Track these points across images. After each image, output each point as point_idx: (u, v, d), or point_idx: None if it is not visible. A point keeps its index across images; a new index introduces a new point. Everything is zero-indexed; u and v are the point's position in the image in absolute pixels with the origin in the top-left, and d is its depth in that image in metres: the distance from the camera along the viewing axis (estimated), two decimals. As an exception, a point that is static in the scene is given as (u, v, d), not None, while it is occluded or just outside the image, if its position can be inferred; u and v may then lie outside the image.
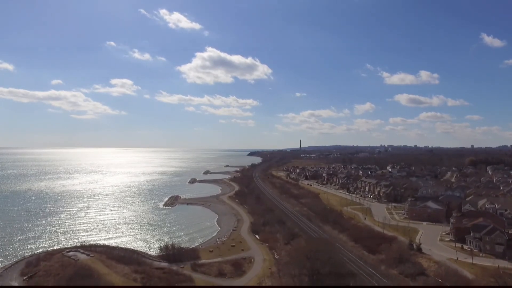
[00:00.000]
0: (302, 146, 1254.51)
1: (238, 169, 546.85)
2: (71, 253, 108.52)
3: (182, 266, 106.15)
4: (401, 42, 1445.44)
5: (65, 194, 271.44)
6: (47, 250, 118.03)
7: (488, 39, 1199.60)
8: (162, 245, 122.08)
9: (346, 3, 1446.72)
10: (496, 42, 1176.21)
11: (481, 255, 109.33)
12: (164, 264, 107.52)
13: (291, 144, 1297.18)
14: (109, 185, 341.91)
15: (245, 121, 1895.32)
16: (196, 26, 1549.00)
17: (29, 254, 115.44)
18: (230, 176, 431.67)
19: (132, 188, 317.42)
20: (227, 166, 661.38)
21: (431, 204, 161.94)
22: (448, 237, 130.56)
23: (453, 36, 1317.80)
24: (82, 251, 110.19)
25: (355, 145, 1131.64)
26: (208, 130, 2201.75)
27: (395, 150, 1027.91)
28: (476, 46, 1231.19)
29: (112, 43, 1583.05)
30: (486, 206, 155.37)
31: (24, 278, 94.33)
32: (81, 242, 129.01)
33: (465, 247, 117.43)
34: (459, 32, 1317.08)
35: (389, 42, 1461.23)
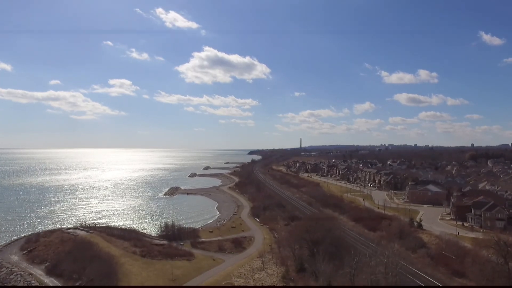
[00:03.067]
0: (302, 145, 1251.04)
1: (238, 165, 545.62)
2: (70, 230, 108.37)
3: (182, 243, 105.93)
4: (399, 40, 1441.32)
5: (65, 186, 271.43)
6: (47, 229, 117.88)
7: (486, 37, 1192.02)
8: (162, 225, 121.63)
9: (344, 2, 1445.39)
10: (495, 41, 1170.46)
11: (481, 231, 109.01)
12: (164, 242, 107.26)
13: (291, 144, 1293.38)
14: (109, 179, 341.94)
15: (245, 121, 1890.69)
16: (193, 25, 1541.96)
17: (29, 233, 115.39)
18: (230, 171, 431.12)
19: (131, 182, 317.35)
20: (227, 163, 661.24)
21: (431, 187, 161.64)
22: (448, 217, 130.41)
23: (450, 35, 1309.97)
24: (81, 228, 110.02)
25: (355, 144, 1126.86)
26: (208, 130, 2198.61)
27: (395, 148, 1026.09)
28: (475, 45, 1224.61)
29: (109, 42, 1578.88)
30: (487, 187, 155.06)
31: (24, 252, 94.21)
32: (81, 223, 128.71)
33: (466, 224, 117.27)
34: (456, 30, 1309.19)
35: (387, 40, 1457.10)
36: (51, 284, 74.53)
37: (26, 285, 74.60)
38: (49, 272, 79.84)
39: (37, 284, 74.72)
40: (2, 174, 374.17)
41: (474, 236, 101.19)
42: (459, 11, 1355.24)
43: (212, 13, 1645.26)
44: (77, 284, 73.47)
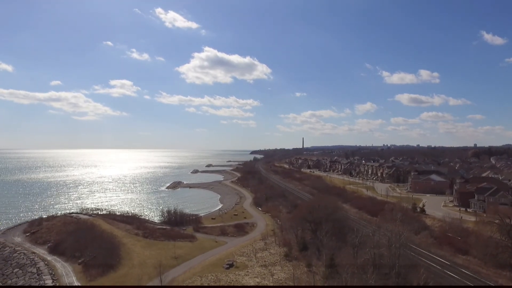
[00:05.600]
0: (304, 146, 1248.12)
1: (240, 163, 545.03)
2: (73, 214, 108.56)
3: (184, 228, 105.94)
4: (399, 40, 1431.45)
5: (68, 181, 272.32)
6: (50, 215, 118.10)
7: (488, 37, 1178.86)
8: (164, 211, 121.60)
9: (344, 2, 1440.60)
10: (497, 40, 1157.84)
11: (485, 215, 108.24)
12: (166, 227, 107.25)
13: (293, 144, 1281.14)
14: (111, 175, 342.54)
15: (247, 122, 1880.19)
16: (193, 25, 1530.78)
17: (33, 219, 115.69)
18: (232, 167, 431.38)
19: (134, 177, 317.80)
20: (229, 161, 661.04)
21: (434, 177, 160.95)
22: (451, 204, 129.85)
23: (451, 34, 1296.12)
24: (84, 213, 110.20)
25: (357, 145, 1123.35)
26: (210, 131, 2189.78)
27: (397, 148, 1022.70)
28: (476, 44, 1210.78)
29: (109, 43, 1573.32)
30: (490, 176, 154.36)
31: (27, 234, 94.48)
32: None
33: (469, 210, 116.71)
34: (457, 30, 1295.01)
35: (387, 40, 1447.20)
36: (53, 262, 74.62)
37: (39, 285, 66.65)
38: (52, 251, 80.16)
39: (40, 261, 74.78)
40: (5, 171, 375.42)
41: (477, 220, 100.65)
42: (460, 10, 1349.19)
43: (211, 13, 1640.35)
44: (79, 261, 73.51)
